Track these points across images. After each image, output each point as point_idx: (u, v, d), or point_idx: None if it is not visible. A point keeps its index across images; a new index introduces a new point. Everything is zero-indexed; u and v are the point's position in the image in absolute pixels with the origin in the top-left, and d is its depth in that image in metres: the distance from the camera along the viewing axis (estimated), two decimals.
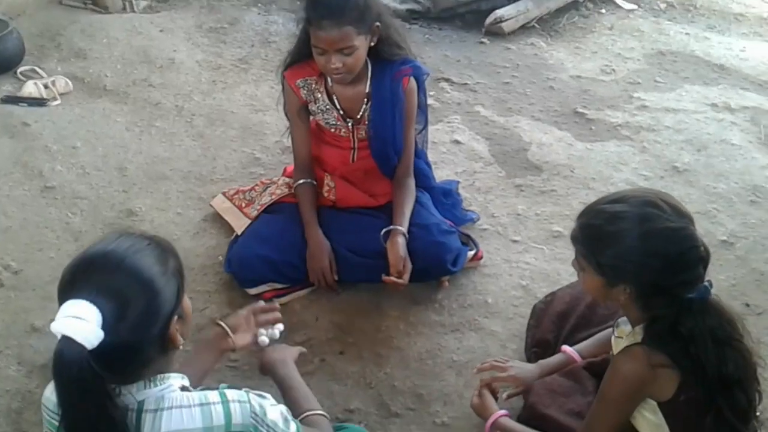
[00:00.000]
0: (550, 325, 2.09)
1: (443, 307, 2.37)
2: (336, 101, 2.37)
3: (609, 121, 3.46)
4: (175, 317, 1.29)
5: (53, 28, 3.90)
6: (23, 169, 2.92)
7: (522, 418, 1.84)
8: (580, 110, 3.54)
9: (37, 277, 2.42)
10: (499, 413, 1.82)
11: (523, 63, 3.97)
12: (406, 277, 2.24)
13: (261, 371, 1.85)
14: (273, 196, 2.51)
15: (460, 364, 2.18)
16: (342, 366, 2.16)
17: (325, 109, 2.39)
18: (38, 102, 3.32)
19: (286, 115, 2.49)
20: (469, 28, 4.34)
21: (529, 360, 2.07)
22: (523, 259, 2.58)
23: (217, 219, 2.68)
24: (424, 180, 2.56)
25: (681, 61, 4.07)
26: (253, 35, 4.07)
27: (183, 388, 1.30)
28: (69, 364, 1.11)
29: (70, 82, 3.47)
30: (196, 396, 1.28)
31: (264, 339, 2.21)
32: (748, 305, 2.42)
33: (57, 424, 1.24)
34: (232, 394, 1.30)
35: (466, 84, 3.73)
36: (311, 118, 2.46)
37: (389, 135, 2.38)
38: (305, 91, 2.37)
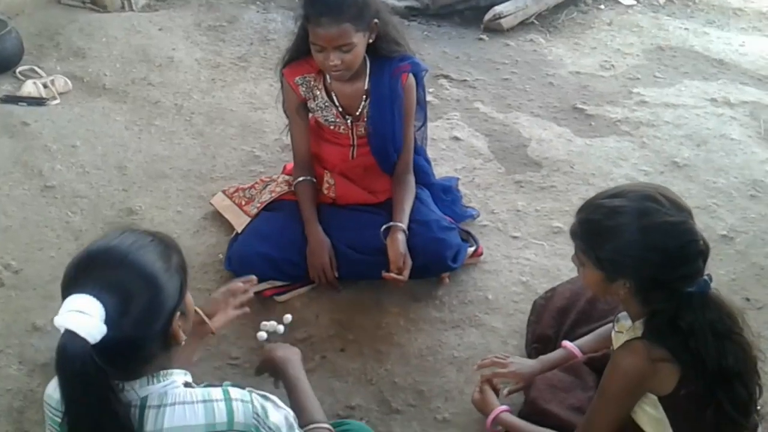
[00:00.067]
0: (551, 321, 2.10)
1: (444, 303, 2.37)
2: (335, 98, 2.37)
3: (608, 116, 3.46)
4: (178, 313, 1.29)
5: (52, 27, 3.90)
6: (23, 169, 2.92)
7: (523, 414, 1.84)
8: (580, 106, 3.54)
9: (38, 277, 2.43)
10: (500, 408, 1.82)
11: (522, 59, 3.97)
12: (406, 273, 2.25)
13: (260, 368, 1.82)
14: (273, 194, 2.52)
15: (460, 360, 2.18)
16: (343, 363, 2.17)
17: (324, 106, 2.39)
18: (37, 101, 3.32)
19: (285, 112, 2.49)
20: (468, 24, 4.34)
21: (530, 356, 2.07)
22: (523, 255, 2.59)
23: (217, 217, 2.68)
24: (423, 177, 2.56)
25: (680, 56, 4.07)
26: (251, 33, 4.07)
27: (186, 384, 1.30)
28: (72, 358, 1.11)
29: (69, 82, 3.47)
30: (199, 393, 1.28)
31: (262, 334, 2.22)
32: (748, 300, 2.42)
33: (60, 420, 1.24)
34: (235, 392, 1.30)
35: (465, 80, 3.73)
36: (310, 115, 2.46)
37: (388, 132, 2.38)
38: (304, 89, 2.38)
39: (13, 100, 3.33)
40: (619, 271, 1.52)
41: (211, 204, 2.72)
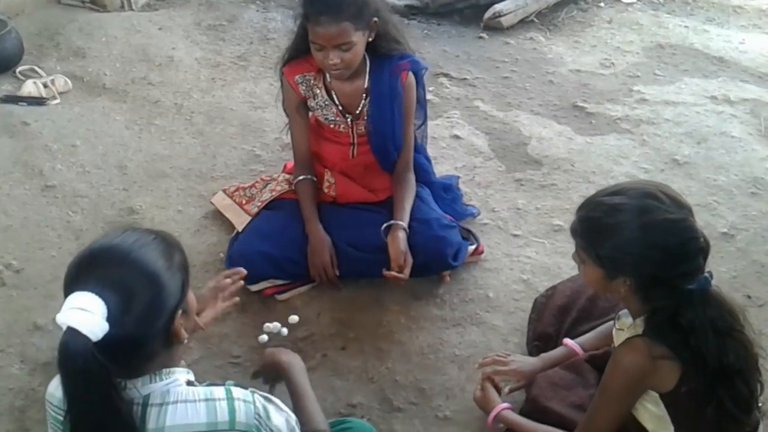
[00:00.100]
0: (552, 319, 2.10)
1: (444, 301, 2.38)
2: (335, 97, 2.38)
3: (609, 114, 3.46)
4: (180, 311, 1.29)
5: (52, 27, 3.90)
6: (23, 168, 2.92)
7: (524, 412, 1.84)
8: (580, 104, 3.54)
9: (39, 276, 2.43)
10: (501, 406, 1.82)
11: (522, 57, 3.97)
12: (407, 271, 2.24)
13: (259, 371, 1.82)
14: (273, 193, 2.52)
15: (461, 358, 2.18)
16: (344, 361, 2.17)
17: (324, 104, 2.39)
18: (38, 101, 3.32)
19: (285, 111, 2.50)
20: (468, 23, 4.34)
21: (531, 354, 2.07)
22: (524, 253, 2.59)
23: (218, 216, 2.68)
24: (424, 175, 2.56)
25: (680, 54, 4.07)
26: (251, 32, 4.07)
27: (189, 383, 1.30)
28: (74, 356, 1.11)
29: (69, 81, 3.47)
30: (201, 391, 1.28)
31: (264, 336, 2.22)
32: (749, 297, 2.42)
33: (62, 418, 1.24)
34: (237, 392, 1.30)
35: (465, 79, 3.73)
36: (310, 114, 2.47)
37: (388, 130, 2.38)
38: (304, 87, 2.38)
39: (13, 99, 3.33)
40: (619, 268, 1.52)
41: (212, 203, 2.72)
